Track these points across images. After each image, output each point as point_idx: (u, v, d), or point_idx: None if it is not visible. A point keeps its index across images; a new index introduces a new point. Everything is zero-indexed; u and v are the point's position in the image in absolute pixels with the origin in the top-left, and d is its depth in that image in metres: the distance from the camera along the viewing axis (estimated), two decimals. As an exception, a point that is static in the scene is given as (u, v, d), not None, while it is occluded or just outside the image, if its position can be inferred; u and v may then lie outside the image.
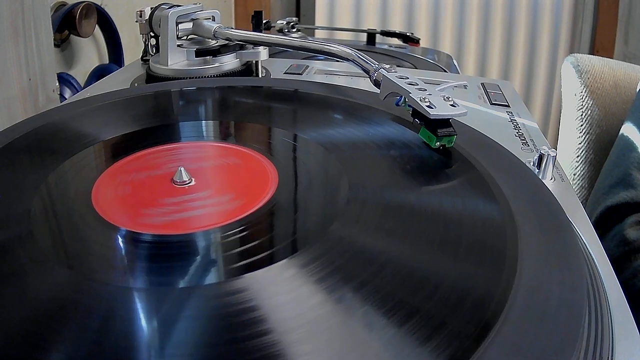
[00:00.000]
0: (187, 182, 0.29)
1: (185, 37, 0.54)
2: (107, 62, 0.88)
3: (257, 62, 0.54)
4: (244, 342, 0.18)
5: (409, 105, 0.34)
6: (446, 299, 0.20)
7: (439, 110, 0.32)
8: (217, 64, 0.52)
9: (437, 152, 0.32)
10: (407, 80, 0.36)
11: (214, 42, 0.54)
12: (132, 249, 0.25)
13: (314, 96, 0.42)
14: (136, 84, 0.53)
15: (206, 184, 0.30)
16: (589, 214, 0.29)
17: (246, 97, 0.44)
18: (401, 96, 0.35)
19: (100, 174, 0.30)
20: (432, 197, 0.28)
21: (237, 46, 0.53)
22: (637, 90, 0.66)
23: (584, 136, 0.74)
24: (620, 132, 0.66)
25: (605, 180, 0.64)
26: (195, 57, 0.52)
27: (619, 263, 0.52)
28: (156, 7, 0.55)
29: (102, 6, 0.82)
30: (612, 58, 0.99)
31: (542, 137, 0.42)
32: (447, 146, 0.32)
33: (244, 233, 0.25)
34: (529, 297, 0.21)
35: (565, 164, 0.78)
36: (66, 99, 0.67)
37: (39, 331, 0.19)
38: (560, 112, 0.80)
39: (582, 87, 0.73)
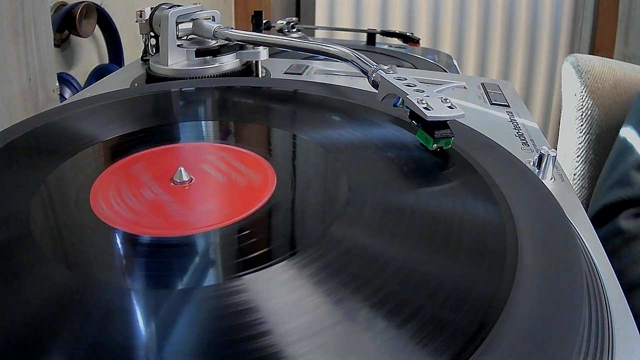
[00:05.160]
0: (186, 182, 0.29)
1: (185, 37, 0.54)
2: (107, 62, 0.88)
3: (257, 62, 0.54)
4: (242, 343, 0.18)
5: (407, 107, 0.34)
6: (446, 300, 0.20)
7: (436, 112, 0.31)
8: (217, 64, 0.52)
9: (435, 153, 0.32)
10: (404, 81, 0.36)
11: (214, 42, 0.54)
12: (131, 251, 0.25)
13: (314, 97, 0.42)
14: (136, 84, 0.53)
15: (205, 184, 0.30)
16: (589, 217, 0.30)
17: (246, 98, 0.44)
18: (399, 97, 0.35)
19: (100, 174, 0.30)
20: (431, 198, 0.28)
21: (237, 46, 0.53)
22: (638, 92, 0.66)
23: (584, 136, 0.74)
24: (619, 134, 0.66)
25: (604, 183, 0.64)
26: (195, 57, 0.52)
27: (613, 254, 0.53)
28: (156, 7, 0.55)
29: (102, 6, 0.82)
30: (612, 58, 0.99)
31: (542, 137, 0.42)
32: (444, 148, 0.32)
33: (243, 234, 0.25)
34: (529, 297, 0.21)
35: (565, 164, 0.78)
36: (66, 99, 0.67)
37: (38, 331, 0.19)
38: (560, 112, 0.80)
39: (582, 87, 0.73)
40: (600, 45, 1.61)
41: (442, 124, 0.32)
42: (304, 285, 0.21)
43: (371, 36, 0.99)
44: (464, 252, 0.23)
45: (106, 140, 0.35)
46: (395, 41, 0.99)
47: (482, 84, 0.55)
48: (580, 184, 0.76)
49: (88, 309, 0.20)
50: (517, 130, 0.43)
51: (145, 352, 0.18)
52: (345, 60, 0.43)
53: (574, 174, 0.76)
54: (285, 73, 0.57)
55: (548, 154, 0.35)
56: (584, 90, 0.73)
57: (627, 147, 0.63)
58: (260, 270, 0.22)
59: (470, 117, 0.34)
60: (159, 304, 0.20)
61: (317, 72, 0.57)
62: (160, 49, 0.52)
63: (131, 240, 0.25)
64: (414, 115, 0.33)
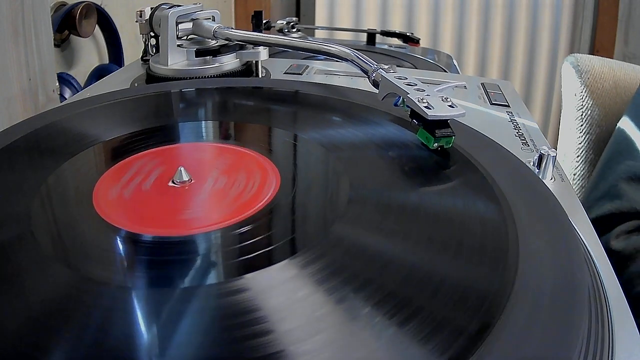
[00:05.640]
0: (187, 182, 0.29)
1: (185, 37, 0.54)
2: (107, 62, 0.88)
3: (257, 62, 0.54)
4: (244, 342, 0.18)
5: (407, 106, 0.34)
6: (447, 299, 0.20)
7: (437, 111, 0.31)
8: (217, 64, 0.52)
9: (436, 153, 0.32)
10: (405, 80, 0.36)
11: (214, 42, 0.54)
12: (133, 250, 0.25)
13: (314, 97, 0.42)
14: (136, 84, 0.53)
15: (206, 184, 0.30)
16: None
17: (246, 98, 0.44)
18: (400, 96, 0.35)
19: (101, 174, 0.30)
20: (432, 197, 0.28)
21: (237, 46, 0.53)
22: (637, 90, 0.66)
23: (584, 136, 0.74)
24: (614, 133, 0.65)
25: (591, 194, 0.63)
26: (195, 57, 0.52)
27: None
28: (156, 7, 0.55)
29: (102, 6, 0.82)
30: (612, 58, 0.99)
31: (542, 137, 0.42)
32: (445, 147, 0.32)
33: (245, 234, 0.25)
34: (529, 297, 0.21)
35: (565, 164, 0.78)
36: (66, 99, 0.67)
37: (39, 331, 0.19)
38: (560, 112, 0.80)
39: (582, 87, 0.73)
40: (600, 45, 1.61)
41: (443, 123, 0.32)
42: (305, 285, 0.21)
43: (371, 36, 0.99)
44: (465, 251, 0.23)
45: (106, 140, 0.35)
46: (395, 41, 0.99)
47: (482, 84, 0.55)
48: (580, 184, 0.76)
49: (90, 308, 0.20)
50: (517, 130, 0.43)
51: (146, 351, 0.18)
52: (346, 60, 0.43)
53: (574, 174, 0.76)
54: (285, 73, 0.57)
55: (548, 154, 0.35)
56: (584, 90, 0.73)
57: (618, 154, 0.62)
58: (262, 269, 0.22)
59: (470, 117, 0.34)
60: (161, 303, 0.20)
61: (317, 72, 0.57)
62: (160, 49, 0.52)
63: (133, 239, 0.25)
64: (414, 114, 0.33)
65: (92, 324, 0.19)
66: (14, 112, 0.53)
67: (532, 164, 0.35)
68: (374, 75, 0.39)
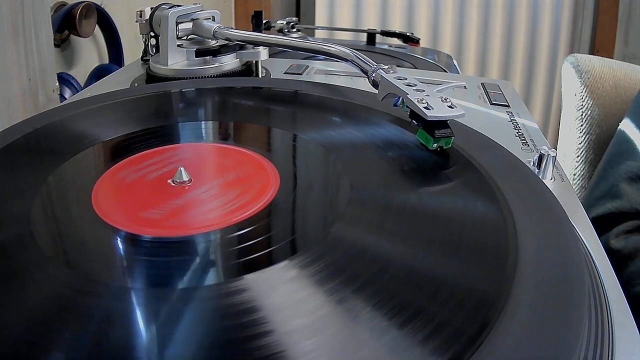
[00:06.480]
0: (186, 182, 0.29)
1: (185, 37, 0.54)
2: (107, 62, 0.88)
3: (257, 62, 0.54)
4: (244, 343, 0.18)
5: (407, 107, 0.34)
6: (447, 299, 0.20)
7: (436, 111, 0.31)
8: (217, 64, 0.52)
9: (436, 153, 0.32)
10: (405, 81, 0.36)
11: (214, 42, 0.54)
12: (132, 250, 0.25)
13: (314, 97, 0.42)
14: (136, 84, 0.53)
15: (206, 184, 0.30)
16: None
17: (246, 98, 0.44)
18: (399, 97, 0.35)
19: (101, 174, 0.30)
20: (432, 198, 0.28)
21: (237, 46, 0.53)
22: (638, 93, 0.66)
23: (584, 136, 0.74)
24: (615, 135, 0.65)
25: (592, 193, 0.63)
26: (195, 57, 0.52)
27: None
28: (156, 7, 0.55)
29: (102, 6, 0.82)
30: (612, 58, 0.99)
31: (542, 137, 0.42)
32: (444, 147, 0.32)
33: (245, 234, 0.25)
34: (529, 297, 0.21)
35: (565, 164, 0.78)
36: (66, 99, 0.67)
37: (38, 331, 0.19)
38: (560, 112, 0.80)
39: (582, 87, 0.73)
40: (600, 45, 1.61)
41: (443, 124, 0.32)
42: (305, 285, 0.21)
43: (371, 36, 0.99)
44: (465, 252, 0.23)
45: (106, 140, 0.35)
46: (395, 41, 0.99)
47: (482, 84, 0.55)
48: (580, 184, 0.76)
49: (89, 308, 0.20)
50: (517, 130, 0.43)
51: (146, 351, 0.18)
52: (345, 60, 0.43)
53: (574, 174, 0.76)
54: (285, 73, 0.57)
55: (548, 154, 0.35)
56: (584, 90, 0.73)
57: (619, 155, 0.62)
58: (262, 269, 0.22)
59: (470, 117, 0.34)
60: (161, 303, 0.20)
61: (317, 72, 0.57)
62: (160, 49, 0.52)
63: (133, 239, 0.25)
64: (414, 114, 0.33)
65: (91, 324, 0.19)
66: (14, 112, 0.53)
67: (532, 164, 0.35)
68: (373, 75, 0.39)
